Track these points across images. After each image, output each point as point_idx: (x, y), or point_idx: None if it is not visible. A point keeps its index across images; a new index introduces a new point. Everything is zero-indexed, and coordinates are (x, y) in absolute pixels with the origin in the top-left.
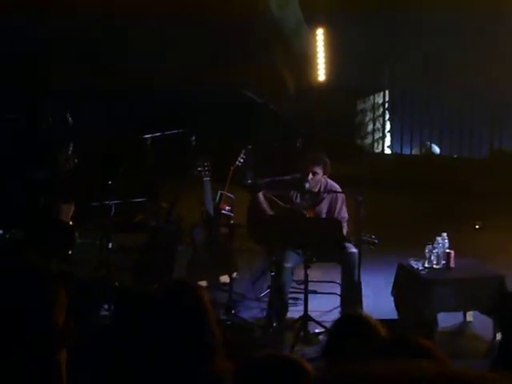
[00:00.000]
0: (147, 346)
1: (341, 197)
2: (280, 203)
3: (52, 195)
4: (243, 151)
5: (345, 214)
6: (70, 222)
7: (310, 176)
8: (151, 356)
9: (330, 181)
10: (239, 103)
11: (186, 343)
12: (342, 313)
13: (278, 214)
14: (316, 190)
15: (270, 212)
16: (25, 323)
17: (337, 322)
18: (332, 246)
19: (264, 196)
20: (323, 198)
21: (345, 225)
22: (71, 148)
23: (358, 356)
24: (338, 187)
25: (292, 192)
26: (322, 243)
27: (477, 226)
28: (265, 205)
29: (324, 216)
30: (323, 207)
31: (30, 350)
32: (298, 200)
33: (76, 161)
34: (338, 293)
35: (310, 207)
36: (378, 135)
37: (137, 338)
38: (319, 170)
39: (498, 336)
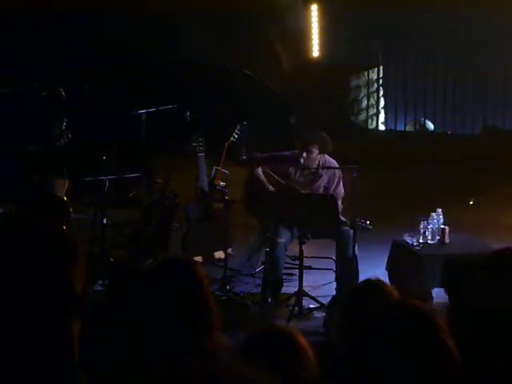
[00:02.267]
0: (143, 322)
1: (338, 173)
2: (277, 178)
3: (46, 170)
4: (238, 127)
5: (341, 191)
6: (65, 198)
7: (305, 154)
8: (147, 331)
9: (328, 158)
10: (233, 79)
11: (183, 319)
12: (337, 288)
13: (274, 190)
14: (312, 167)
15: (267, 186)
16: (47, 289)
17: (355, 287)
18: (326, 223)
19: (263, 170)
20: (321, 175)
21: (340, 202)
22: (65, 123)
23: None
24: (336, 164)
25: (291, 168)
26: (317, 220)
27: (470, 202)
28: (263, 179)
29: (321, 192)
30: (321, 184)
31: (50, 318)
32: (297, 176)
33: (70, 136)
34: (333, 268)
35: (308, 184)
36: (372, 111)
37: (132, 313)
38: (314, 149)
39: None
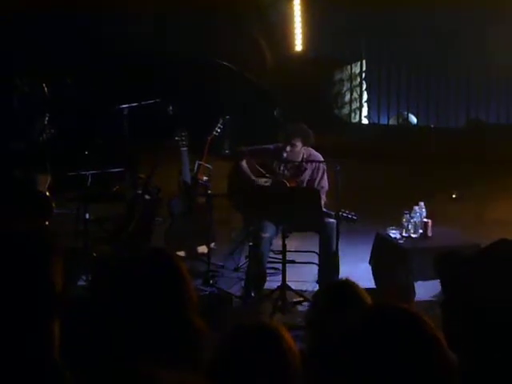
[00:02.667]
0: (126, 316)
1: (322, 167)
2: (262, 171)
3: (28, 166)
4: (220, 121)
5: (325, 184)
6: (47, 193)
7: (288, 148)
8: (129, 325)
9: (312, 151)
10: (216, 73)
11: (165, 311)
12: (319, 282)
13: (257, 184)
14: (296, 160)
15: (252, 178)
16: (26, 290)
17: (322, 289)
18: (310, 216)
19: (247, 163)
20: (305, 168)
21: (323, 196)
22: (47, 118)
23: (342, 323)
24: (320, 157)
25: (275, 162)
26: (300, 213)
27: (453, 196)
28: (248, 172)
29: (305, 185)
30: (305, 177)
31: (31, 318)
32: (281, 169)
33: (52, 131)
34: (316, 262)
35: (292, 177)
36: (355, 105)
37: (115, 307)
38: (298, 142)
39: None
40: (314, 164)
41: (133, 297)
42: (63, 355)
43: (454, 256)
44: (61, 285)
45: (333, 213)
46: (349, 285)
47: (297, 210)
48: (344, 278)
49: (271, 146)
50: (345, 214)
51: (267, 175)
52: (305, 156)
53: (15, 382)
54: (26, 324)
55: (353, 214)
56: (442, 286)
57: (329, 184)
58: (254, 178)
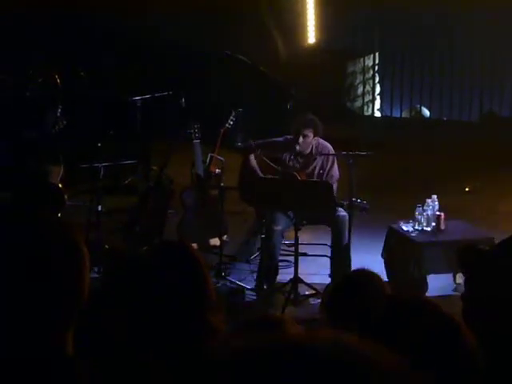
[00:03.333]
0: (141, 307)
1: (332, 155)
2: (272, 165)
3: (41, 157)
4: (233, 113)
5: (335, 173)
6: (60, 185)
7: (301, 139)
8: (144, 317)
9: (321, 141)
10: (229, 65)
11: (183, 300)
12: (331, 275)
13: (269, 176)
14: (307, 151)
15: (261, 174)
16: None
17: (343, 279)
18: (322, 209)
19: (256, 157)
20: (315, 159)
21: (334, 185)
22: (60, 110)
23: (360, 314)
24: (329, 147)
25: (284, 154)
26: (313, 206)
27: (466, 189)
28: (256, 166)
29: (316, 177)
30: (315, 168)
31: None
32: (291, 162)
33: (65, 122)
34: (329, 255)
35: (302, 169)
36: (367, 98)
37: (129, 299)
38: (310, 133)
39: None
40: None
41: (148, 290)
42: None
43: (476, 249)
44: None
45: (345, 202)
46: (367, 274)
47: (309, 203)
48: (362, 268)
49: (281, 139)
50: (358, 202)
51: (277, 168)
52: (314, 146)
53: (30, 374)
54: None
55: (365, 202)
56: (465, 278)
57: (340, 174)
58: (260, 174)
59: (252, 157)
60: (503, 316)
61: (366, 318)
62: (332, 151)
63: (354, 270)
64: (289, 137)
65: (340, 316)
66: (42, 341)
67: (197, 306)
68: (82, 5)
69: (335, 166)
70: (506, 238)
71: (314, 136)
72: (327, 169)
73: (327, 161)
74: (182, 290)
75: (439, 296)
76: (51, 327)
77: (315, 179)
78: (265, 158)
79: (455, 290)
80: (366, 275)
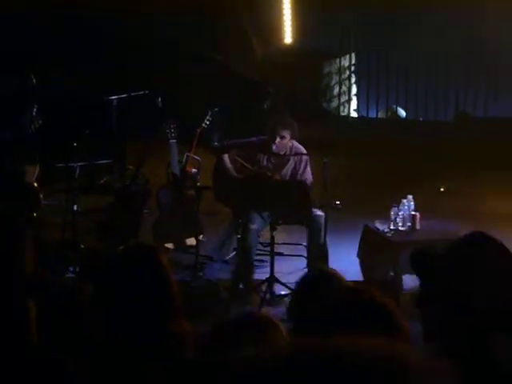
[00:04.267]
0: (109, 308)
1: (305, 159)
2: (246, 165)
3: (17, 156)
4: (209, 113)
5: (308, 176)
6: (35, 184)
7: (278, 139)
8: (113, 317)
9: (295, 143)
10: (205, 65)
11: (146, 306)
12: None
13: (243, 176)
14: (282, 153)
15: (235, 174)
16: None
17: (303, 278)
18: (298, 209)
19: (230, 158)
20: (288, 161)
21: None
22: (35, 109)
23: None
24: (303, 149)
25: (258, 154)
26: (288, 206)
27: (441, 189)
28: (230, 166)
29: (288, 178)
30: (288, 170)
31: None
32: (264, 162)
33: (40, 122)
34: (305, 255)
35: (276, 170)
36: (344, 98)
37: (101, 299)
38: (287, 134)
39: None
40: (296, 156)
41: (115, 289)
42: (48, 342)
43: (428, 252)
44: (32, 269)
45: (318, 204)
46: (325, 274)
47: (285, 202)
48: (319, 269)
49: (254, 139)
50: (330, 204)
51: (251, 168)
52: (288, 149)
53: None
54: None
55: (338, 202)
56: (419, 281)
57: (313, 176)
58: (235, 174)
59: (226, 157)
60: (456, 316)
61: (324, 316)
62: (305, 155)
63: (312, 271)
64: (262, 137)
65: (301, 318)
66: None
67: (159, 312)
68: (60, 4)
69: (308, 169)
70: (455, 242)
71: (291, 138)
72: (300, 172)
73: (300, 164)
74: (144, 296)
75: (414, 294)
76: None
77: (289, 179)
78: (238, 158)
79: None
80: (324, 275)
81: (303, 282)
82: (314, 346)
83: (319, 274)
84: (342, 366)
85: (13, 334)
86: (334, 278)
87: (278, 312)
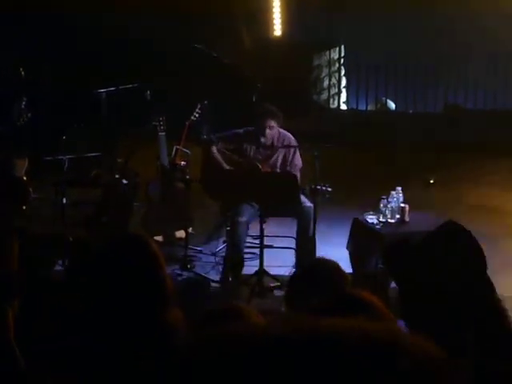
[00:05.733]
0: (101, 300)
1: (293, 143)
2: (234, 157)
3: (5, 150)
4: (198, 106)
5: (298, 161)
6: (24, 177)
7: (268, 130)
8: (105, 309)
9: (282, 131)
10: (194, 57)
11: (138, 295)
12: (296, 267)
13: (232, 168)
14: (270, 142)
15: (224, 166)
16: None
17: (299, 269)
18: (287, 200)
19: (218, 150)
20: (277, 150)
21: (298, 173)
22: (24, 102)
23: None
24: (290, 136)
25: (245, 145)
26: (277, 197)
27: (431, 181)
28: (219, 159)
29: (279, 168)
30: (278, 159)
31: None
32: (252, 153)
33: (29, 115)
34: (294, 247)
35: (265, 160)
36: (333, 91)
37: (91, 291)
38: (275, 124)
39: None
40: (284, 143)
41: (107, 284)
42: (35, 334)
43: (401, 244)
44: (12, 268)
45: (306, 188)
46: (324, 263)
47: (273, 194)
48: (319, 257)
49: (241, 131)
50: (319, 187)
51: (240, 160)
52: (275, 136)
53: None
54: None
55: (327, 185)
56: (391, 275)
57: (302, 161)
58: (225, 165)
59: (214, 149)
60: (433, 306)
61: (322, 305)
62: (293, 140)
63: (312, 260)
64: (250, 128)
65: (298, 306)
66: None
67: (153, 301)
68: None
69: (297, 154)
70: (430, 232)
71: (277, 126)
72: (289, 158)
73: (289, 151)
74: (137, 285)
75: None
76: None
77: (278, 170)
78: (225, 151)
79: None
80: (322, 264)
81: (302, 271)
82: (307, 326)
83: (318, 263)
84: (335, 347)
85: None
86: (333, 268)
87: (267, 304)
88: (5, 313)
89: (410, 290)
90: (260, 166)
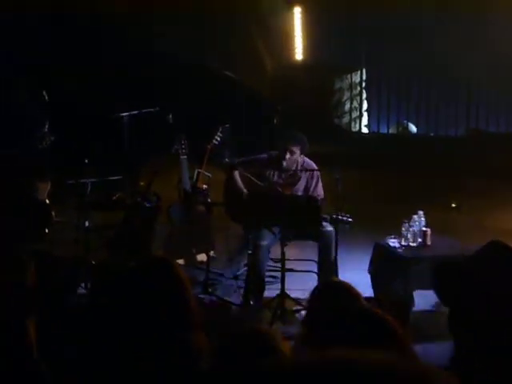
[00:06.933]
0: (125, 323)
1: (316, 174)
2: (257, 181)
3: (28, 173)
4: (220, 129)
5: (320, 192)
6: (47, 201)
7: (288, 155)
8: (129, 332)
9: (306, 159)
10: (216, 81)
11: (165, 318)
12: None
13: (254, 192)
14: (293, 168)
15: (245, 190)
16: None
17: (316, 289)
18: (308, 224)
19: (240, 174)
20: (300, 177)
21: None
22: (47, 125)
23: (336, 325)
24: (314, 165)
25: (268, 171)
26: (299, 221)
27: (453, 205)
28: (241, 183)
29: (301, 194)
30: (300, 186)
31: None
32: (275, 178)
33: (52, 138)
34: (315, 271)
35: (287, 186)
36: (355, 114)
37: (115, 315)
38: (296, 149)
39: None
40: (307, 172)
41: (132, 307)
42: (60, 357)
43: (450, 266)
44: (33, 286)
45: (327, 216)
46: (338, 285)
47: (295, 218)
48: (332, 280)
49: (264, 155)
50: (340, 217)
51: (262, 184)
52: (299, 164)
53: None
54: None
55: (348, 215)
56: (440, 296)
57: (324, 192)
58: (245, 191)
59: (236, 173)
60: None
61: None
62: (316, 168)
63: (324, 282)
64: (273, 153)
65: (315, 328)
66: None
67: (178, 324)
68: (74, 16)
69: (319, 185)
70: (475, 252)
71: (301, 153)
72: (312, 188)
73: (311, 180)
74: (162, 308)
75: (425, 311)
76: None
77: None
78: (249, 175)
79: (441, 306)
80: (336, 286)
81: (318, 293)
82: (315, 360)
83: (333, 286)
84: (343, 380)
85: (12, 353)
86: (348, 290)
87: (289, 329)
88: (26, 328)
89: (463, 314)
90: (281, 191)
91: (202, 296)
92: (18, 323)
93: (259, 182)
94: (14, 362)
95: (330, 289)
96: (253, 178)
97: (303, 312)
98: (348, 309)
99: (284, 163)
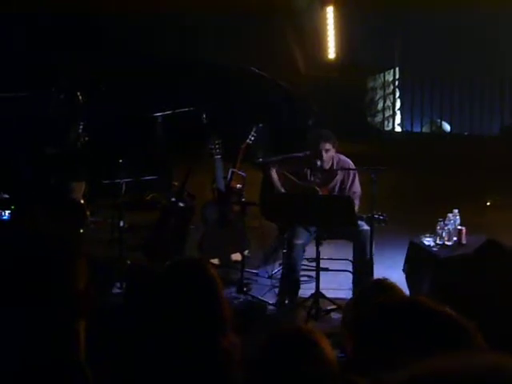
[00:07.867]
0: (159, 323)
1: (352, 171)
2: (294, 179)
3: (63, 173)
4: (254, 129)
5: (357, 189)
6: (82, 200)
7: (324, 154)
8: (163, 332)
9: (341, 156)
10: (251, 81)
11: (196, 320)
12: (353, 290)
13: (290, 191)
14: (328, 166)
15: (282, 189)
16: (45, 288)
17: (364, 289)
18: (344, 224)
19: (277, 173)
20: (336, 174)
21: (356, 201)
22: (82, 126)
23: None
24: (350, 162)
25: (305, 169)
26: (334, 220)
27: (488, 203)
28: (278, 182)
29: (337, 192)
30: (336, 184)
31: (50, 316)
32: (312, 177)
33: (87, 139)
34: (350, 270)
35: (323, 184)
36: (388, 113)
37: (149, 315)
38: (330, 146)
39: None
40: (343, 170)
41: (164, 303)
42: (96, 358)
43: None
44: (83, 287)
45: (364, 216)
46: (386, 285)
47: (331, 217)
48: (380, 279)
49: (300, 154)
50: (376, 216)
51: (299, 183)
52: (335, 161)
53: (41, 381)
54: (50, 325)
55: (384, 215)
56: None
57: (361, 188)
58: (282, 190)
59: (273, 172)
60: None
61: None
62: (352, 166)
63: (372, 282)
64: (308, 152)
65: (360, 331)
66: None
67: (209, 326)
68: (106, 17)
69: (356, 181)
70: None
71: (334, 148)
72: (348, 185)
73: (348, 177)
74: (194, 309)
75: None
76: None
77: (336, 194)
78: (286, 173)
79: None
80: (384, 286)
81: (362, 293)
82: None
83: (378, 285)
84: None
85: (63, 353)
86: (392, 289)
87: (323, 328)
88: (76, 333)
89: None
90: (318, 190)
91: (236, 295)
92: (68, 325)
93: (297, 181)
94: (64, 364)
95: (380, 288)
96: (291, 177)
97: (335, 312)
98: (409, 309)
99: (319, 162)
